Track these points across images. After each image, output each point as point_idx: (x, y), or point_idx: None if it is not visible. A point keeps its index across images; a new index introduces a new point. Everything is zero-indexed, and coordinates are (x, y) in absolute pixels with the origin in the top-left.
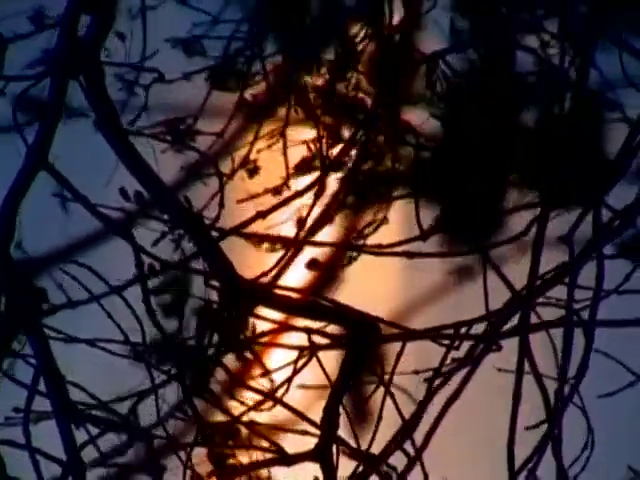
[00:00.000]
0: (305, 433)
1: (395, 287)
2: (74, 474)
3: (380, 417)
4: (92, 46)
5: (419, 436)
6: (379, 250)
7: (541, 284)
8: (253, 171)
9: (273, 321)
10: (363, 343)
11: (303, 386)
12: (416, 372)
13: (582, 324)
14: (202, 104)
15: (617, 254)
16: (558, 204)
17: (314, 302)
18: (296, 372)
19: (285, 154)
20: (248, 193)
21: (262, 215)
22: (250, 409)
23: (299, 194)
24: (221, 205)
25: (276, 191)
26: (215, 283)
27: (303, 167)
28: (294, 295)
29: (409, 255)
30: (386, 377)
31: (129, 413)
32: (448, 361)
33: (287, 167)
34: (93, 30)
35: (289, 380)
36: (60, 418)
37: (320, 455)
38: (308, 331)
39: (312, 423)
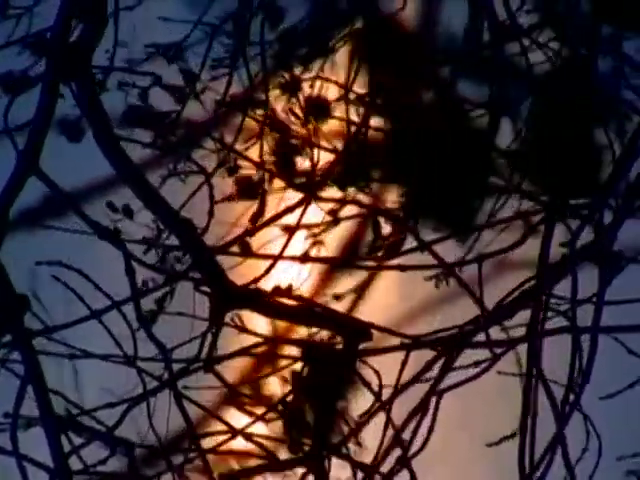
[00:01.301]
0: (297, 441)
1: (393, 295)
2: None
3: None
4: (84, 51)
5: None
6: (372, 264)
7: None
8: (233, 169)
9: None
10: (355, 349)
11: None
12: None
13: (588, 330)
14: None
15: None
16: (563, 210)
17: (305, 308)
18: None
19: (261, 156)
20: (223, 193)
21: (250, 233)
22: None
23: (289, 210)
24: (210, 214)
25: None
26: (206, 289)
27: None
28: (285, 301)
29: (402, 268)
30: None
31: (120, 420)
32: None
33: (263, 167)
34: (85, 35)
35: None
36: (47, 425)
37: (312, 462)
38: (302, 342)
39: (304, 430)
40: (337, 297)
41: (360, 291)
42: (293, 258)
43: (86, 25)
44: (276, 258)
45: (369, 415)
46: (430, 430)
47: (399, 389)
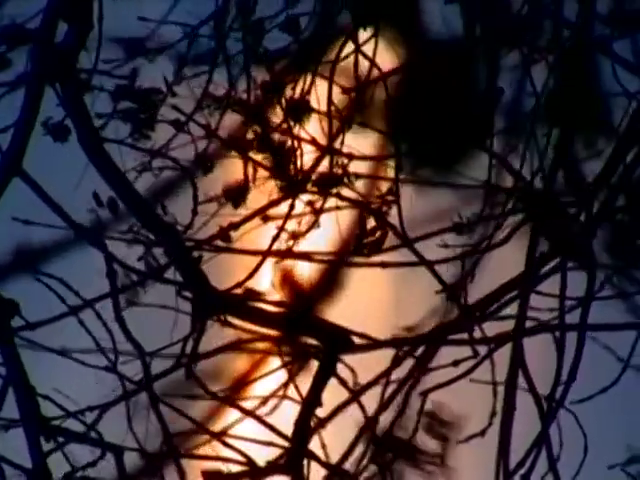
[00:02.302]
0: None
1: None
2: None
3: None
4: (69, 54)
5: None
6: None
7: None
8: (208, 169)
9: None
10: (335, 356)
11: None
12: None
13: (575, 328)
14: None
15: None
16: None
17: (287, 314)
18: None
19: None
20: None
21: (234, 227)
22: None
23: (274, 204)
24: (194, 213)
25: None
26: (187, 294)
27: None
28: (267, 307)
29: (383, 265)
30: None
31: (95, 422)
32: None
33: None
34: (71, 38)
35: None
36: (27, 426)
37: (291, 468)
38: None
39: (283, 435)
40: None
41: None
42: (277, 253)
43: (71, 27)
44: (264, 254)
45: (336, 411)
46: (415, 430)
47: (366, 386)
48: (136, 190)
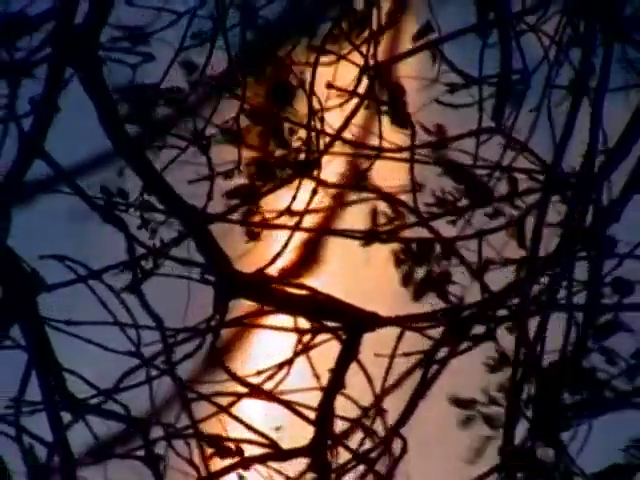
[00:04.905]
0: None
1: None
2: (61, 455)
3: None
4: (90, 34)
5: None
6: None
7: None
8: (206, 147)
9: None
10: (358, 339)
11: None
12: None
13: (582, 308)
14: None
15: None
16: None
17: (310, 297)
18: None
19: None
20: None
21: (246, 202)
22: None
23: (284, 182)
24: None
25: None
26: (210, 277)
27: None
28: (291, 290)
29: (405, 241)
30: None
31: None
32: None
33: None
34: (90, 18)
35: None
36: (48, 400)
37: (314, 451)
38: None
39: (305, 419)
40: None
41: None
42: (294, 228)
43: (91, 7)
44: (273, 227)
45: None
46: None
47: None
48: (157, 170)
